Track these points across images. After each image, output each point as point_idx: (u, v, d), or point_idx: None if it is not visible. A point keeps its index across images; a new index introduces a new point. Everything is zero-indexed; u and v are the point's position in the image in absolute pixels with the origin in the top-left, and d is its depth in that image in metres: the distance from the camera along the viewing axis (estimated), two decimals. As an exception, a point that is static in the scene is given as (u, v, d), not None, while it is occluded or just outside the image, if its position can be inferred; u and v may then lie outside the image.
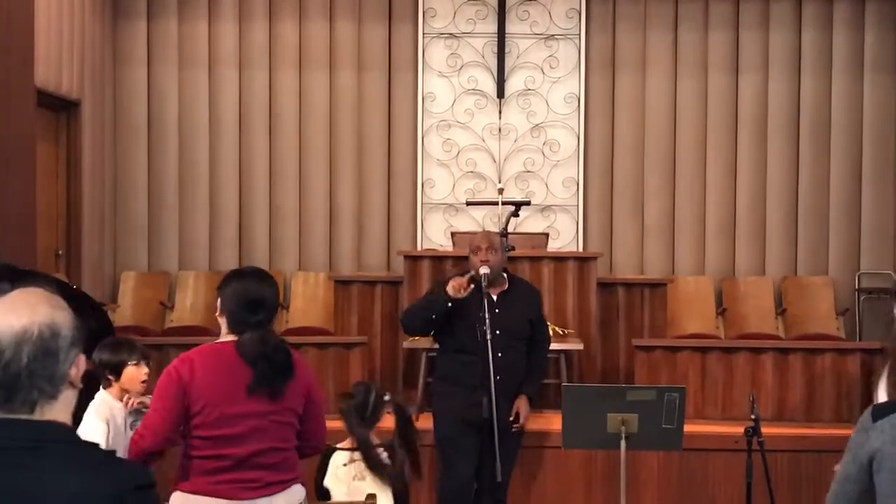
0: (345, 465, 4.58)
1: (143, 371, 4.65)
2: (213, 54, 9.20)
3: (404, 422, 4.77)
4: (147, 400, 4.47)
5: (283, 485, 3.71)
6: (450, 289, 5.44)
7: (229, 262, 9.00)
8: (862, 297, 9.00)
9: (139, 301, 8.87)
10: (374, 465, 4.54)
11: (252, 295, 3.71)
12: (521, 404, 5.65)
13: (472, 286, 5.47)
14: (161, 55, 9.16)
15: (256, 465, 3.64)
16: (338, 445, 4.68)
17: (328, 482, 4.59)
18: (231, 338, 3.73)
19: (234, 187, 9.22)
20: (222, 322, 3.78)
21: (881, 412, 2.81)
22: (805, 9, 9.13)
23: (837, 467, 2.95)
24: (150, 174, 9.16)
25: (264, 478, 3.66)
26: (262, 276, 3.85)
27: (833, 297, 8.86)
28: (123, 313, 8.67)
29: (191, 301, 8.90)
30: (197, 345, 3.86)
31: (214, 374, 3.66)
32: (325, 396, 6.74)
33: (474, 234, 6.40)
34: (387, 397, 4.78)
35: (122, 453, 4.22)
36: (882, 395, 3.59)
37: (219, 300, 3.79)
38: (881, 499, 2.76)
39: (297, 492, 3.78)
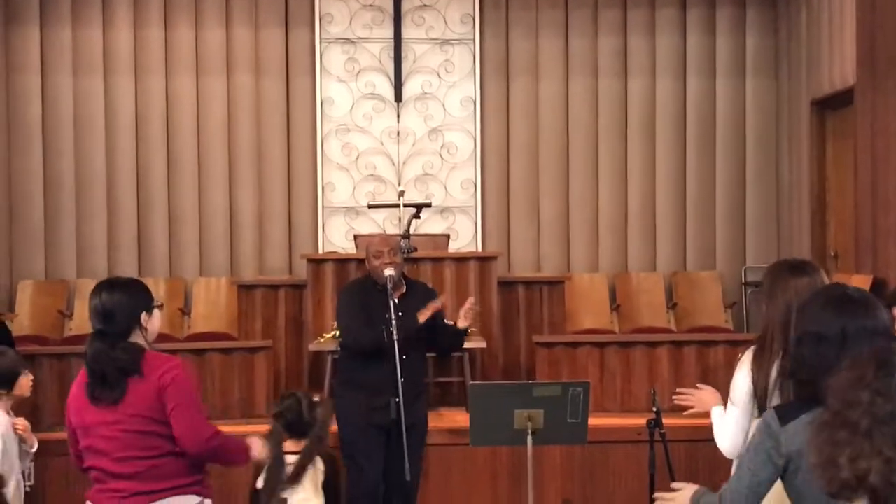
0: None
1: (30, 377, 4.86)
2: (107, 60, 9.12)
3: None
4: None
5: (154, 495, 3.66)
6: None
7: (128, 269, 8.94)
8: (748, 291, 9.37)
9: (37, 310, 8.75)
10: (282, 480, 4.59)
11: (92, 305, 3.75)
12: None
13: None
14: (55, 62, 9.06)
15: (119, 475, 3.65)
16: (291, 451, 4.70)
17: (260, 484, 4.65)
18: None
19: (131, 194, 9.15)
20: None
21: (787, 414, 2.80)
22: (689, 14, 9.46)
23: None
24: (46, 181, 9.05)
25: (128, 488, 3.65)
26: (110, 284, 3.85)
27: (721, 290, 9.21)
28: (21, 323, 8.54)
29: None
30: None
31: (79, 388, 3.75)
32: (232, 401, 6.85)
33: (371, 237, 6.41)
34: (316, 399, 4.81)
35: (11, 465, 4.29)
36: (742, 381, 3.70)
37: None
38: (802, 499, 2.77)
39: (178, 502, 3.70)
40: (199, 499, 3.74)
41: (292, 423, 4.70)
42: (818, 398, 2.67)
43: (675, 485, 3.18)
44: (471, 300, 5.76)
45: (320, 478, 4.69)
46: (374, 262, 5.63)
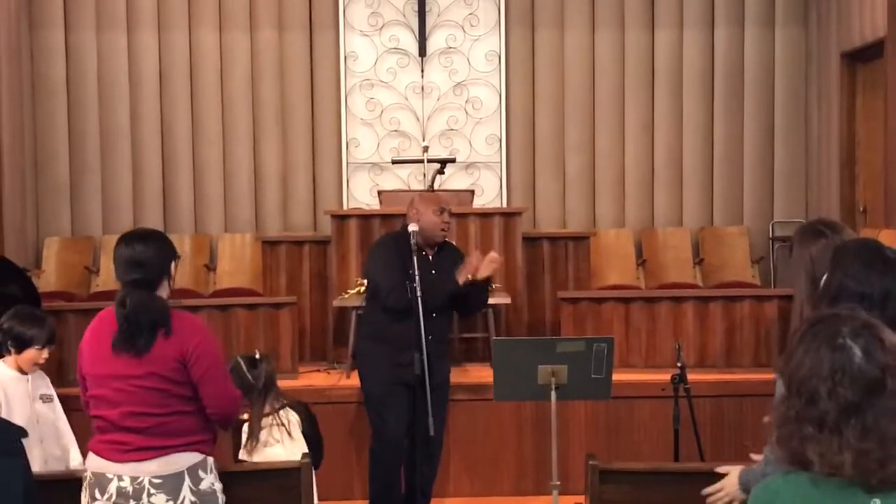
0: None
1: (42, 355, 4.68)
2: (131, 16, 9.10)
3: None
4: None
5: (157, 451, 3.64)
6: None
7: (154, 225, 8.91)
8: (776, 246, 9.29)
9: (63, 266, 8.81)
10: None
11: (126, 256, 3.72)
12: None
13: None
14: (78, 18, 9.04)
15: (126, 428, 3.65)
16: (244, 417, 4.72)
17: (242, 455, 4.67)
18: None
19: (156, 150, 9.16)
20: None
21: None
22: (718, -37, 9.32)
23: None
24: (71, 138, 9.07)
25: (133, 442, 3.64)
26: (141, 236, 3.82)
27: (748, 245, 9.13)
28: (48, 279, 8.61)
29: (116, 265, 8.84)
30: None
31: (94, 337, 3.74)
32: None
33: (428, 194, 6.24)
34: (257, 356, 4.83)
35: (21, 422, 4.22)
36: None
37: None
38: None
39: (179, 460, 3.67)
40: (202, 456, 3.72)
41: (239, 388, 4.70)
42: None
43: (720, 469, 3.17)
44: (494, 255, 5.72)
45: (296, 428, 4.71)
46: (434, 217, 5.60)
